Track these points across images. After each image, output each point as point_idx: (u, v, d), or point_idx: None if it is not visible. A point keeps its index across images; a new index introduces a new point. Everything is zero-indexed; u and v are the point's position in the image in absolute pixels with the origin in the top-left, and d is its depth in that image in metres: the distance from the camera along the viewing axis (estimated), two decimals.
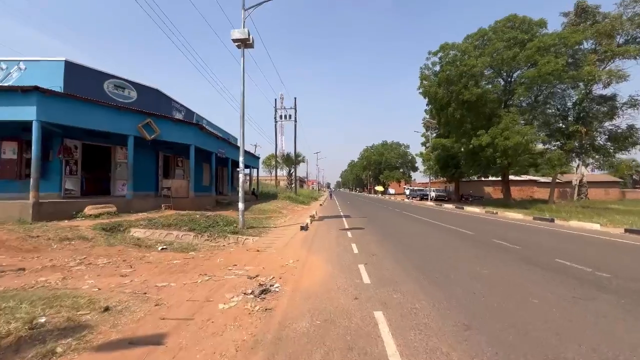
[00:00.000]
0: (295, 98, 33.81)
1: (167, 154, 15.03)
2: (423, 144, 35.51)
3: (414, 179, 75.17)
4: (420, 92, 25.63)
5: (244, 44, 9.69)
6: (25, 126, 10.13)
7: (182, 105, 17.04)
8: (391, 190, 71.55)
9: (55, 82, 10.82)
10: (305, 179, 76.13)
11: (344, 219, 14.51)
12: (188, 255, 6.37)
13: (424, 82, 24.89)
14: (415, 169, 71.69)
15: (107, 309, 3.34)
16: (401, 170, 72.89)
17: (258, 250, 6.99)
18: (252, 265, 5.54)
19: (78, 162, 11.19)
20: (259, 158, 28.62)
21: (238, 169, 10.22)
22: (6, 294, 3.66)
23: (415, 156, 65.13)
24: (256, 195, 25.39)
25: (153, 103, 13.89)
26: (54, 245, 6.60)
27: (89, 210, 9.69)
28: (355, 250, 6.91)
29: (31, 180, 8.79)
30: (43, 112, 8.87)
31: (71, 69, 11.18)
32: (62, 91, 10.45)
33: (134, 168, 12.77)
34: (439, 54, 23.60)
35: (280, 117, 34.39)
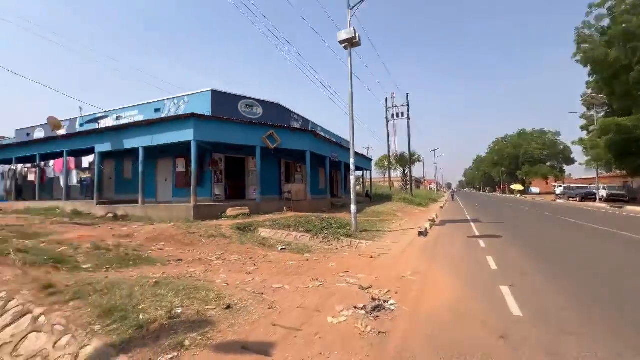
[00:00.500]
0: (407, 94, 31.97)
1: (288, 161, 16.54)
2: (584, 127, 27.16)
3: (569, 174, 58.96)
4: (577, 60, 19.72)
5: (351, 43, 9.52)
6: (188, 146, 13.03)
7: (299, 115, 18.52)
8: (534, 189, 58.47)
9: (205, 108, 13.50)
10: (422, 179, 71.20)
11: (472, 223, 12.37)
12: (303, 257, 6.50)
13: (584, 45, 18.95)
14: (570, 162, 56.15)
15: (229, 307, 3.54)
16: (548, 164, 58.26)
17: (371, 257, 6.52)
18: (364, 274, 5.10)
19: (222, 172, 13.57)
20: (371, 160, 28.33)
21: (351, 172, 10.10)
22: (163, 281, 4.43)
23: (569, 145, 50.99)
24: (370, 197, 25.09)
25: (275, 116, 15.57)
26: (203, 240, 7.99)
27: (229, 211, 11.51)
28: (493, 265, 5.51)
29: (191, 188, 11.10)
30: (198, 133, 11.11)
31: (216, 96, 13.74)
32: (210, 115, 12.87)
33: (261, 175, 14.58)
34: (608, 2, 17.48)
35: (392, 115, 33.18)
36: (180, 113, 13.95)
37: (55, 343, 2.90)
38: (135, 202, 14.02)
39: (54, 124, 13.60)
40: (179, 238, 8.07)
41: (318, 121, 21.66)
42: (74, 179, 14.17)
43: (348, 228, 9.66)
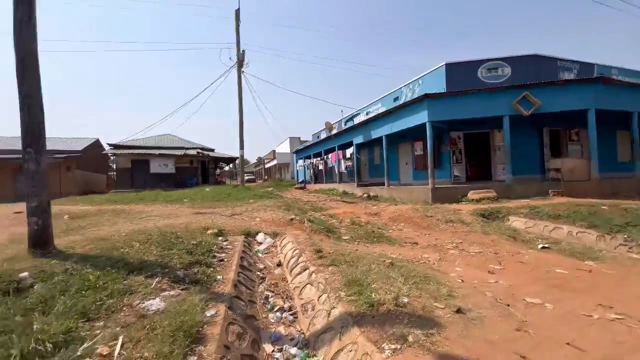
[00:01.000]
0: None
1: (554, 128, 12.33)
2: None
3: None
4: None
5: None
6: (423, 128, 12.98)
7: (573, 62, 13.17)
8: None
9: (440, 85, 12.78)
10: None
11: None
12: (582, 265, 4.50)
13: None
14: None
15: (459, 310, 3.03)
16: None
17: None
18: None
19: (462, 151, 12.40)
20: None
21: None
22: (398, 263, 4.58)
23: None
24: None
25: (531, 72, 12.00)
26: (440, 225, 7.65)
27: (471, 195, 10.32)
28: None
29: (429, 170, 10.99)
30: (432, 113, 10.75)
31: (450, 69, 12.63)
32: (445, 91, 12.03)
33: (512, 150, 11.89)
34: None
35: None
36: (415, 97, 14.13)
37: (319, 297, 3.73)
38: (383, 184, 16.05)
39: (328, 126, 18.26)
40: (416, 220, 8.24)
41: (613, 62, 14.37)
42: (342, 166, 18.43)
43: None
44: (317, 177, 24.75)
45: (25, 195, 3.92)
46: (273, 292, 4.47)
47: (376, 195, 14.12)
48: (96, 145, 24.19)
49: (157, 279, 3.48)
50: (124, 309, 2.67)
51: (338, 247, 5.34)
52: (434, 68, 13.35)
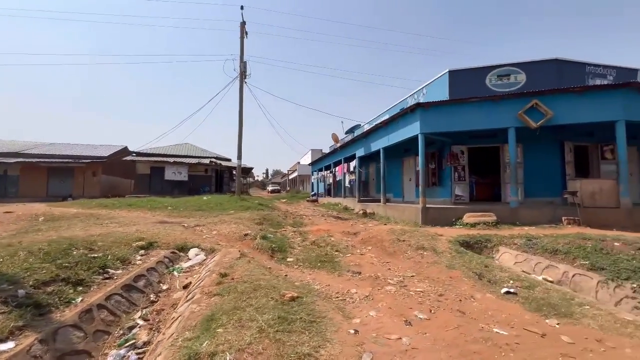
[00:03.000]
0: None
1: (580, 144, 10.44)
2: None
3: None
4: None
5: None
6: (432, 141, 11.76)
7: (607, 67, 11.20)
8: None
9: (444, 95, 11.58)
10: None
11: None
12: (541, 325, 3.26)
13: None
14: None
15: None
16: None
17: None
18: None
19: (465, 168, 10.96)
20: None
21: None
22: (304, 298, 3.70)
23: None
24: None
25: (551, 79, 10.38)
26: (408, 252, 6.53)
27: (467, 218, 8.92)
28: None
29: (420, 188, 9.79)
30: (424, 124, 9.64)
31: (454, 76, 11.40)
32: (442, 100, 10.83)
33: (526, 167, 10.30)
34: None
35: None
36: None
37: (169, 336, 3.06)
38: (388, 200, 14.87)
39: (334, 138, 17.59)
40: (385, 245, 7.19)
41: None
42: (347, 180, 17.53)
43: None
44: (330, 190, 23.98)
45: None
46: (148, 321, 3.87)
47: (373, 213, 13.02)
48: (125, 152, 25.90)
49: None
50: None
51: (255, 273, 4.62)
52: (438, 76, 12.17)
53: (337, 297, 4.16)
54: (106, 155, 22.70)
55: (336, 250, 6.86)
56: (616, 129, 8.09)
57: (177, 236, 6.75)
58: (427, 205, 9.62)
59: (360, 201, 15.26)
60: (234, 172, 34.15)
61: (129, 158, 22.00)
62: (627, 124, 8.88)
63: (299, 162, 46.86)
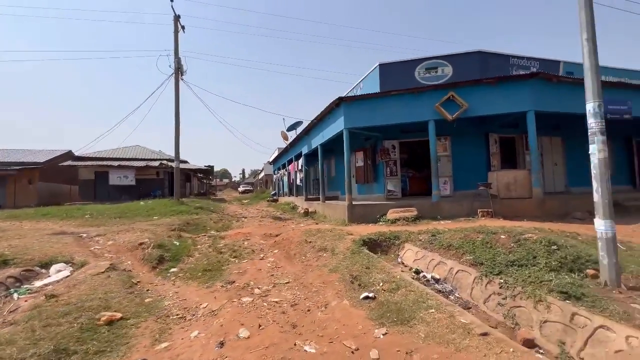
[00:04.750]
0: None
1: (507, 135, 10.54)
2: None
3: None
4: None
5: None
6: (367, 137, 11.52)
7: (531, 59, 11.39)
8: None
9: (375, 88, 11.36)
10: None
11: None
12: (377, 342, 2.94)
13: None
14: None
15: None
16: None
17: None
18: None
19: (397, 162, 10.81)
20: None
21: None
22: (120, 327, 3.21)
23: None
24: None
25: (476, 71, 10.39)
26: (308, 254, 6.18)
27: (390, 214, 8.72)
28: None
29: (346, 184, 9.51)
30: (348, 119, 9.34)
31: (384, 69, 11.22)
32: (364, 94, 10.61)
33: (455, 160, 10.28)
34: None
35: None
36: None
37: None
38: (336, 198, 14.58)
39: (283, 136, 17.08)
40: (292, 247, 6.81)
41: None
42: (298, 179, 17.10)
43: (589, 272, 4.00)
44: (292, 189, 23.49)
45: None
46: None
47: (314, 212, 12.68)
48: (69, 156, 24.15)
49: None
50: None
51: (100, 290, 4.07)
52: (370, 70, 11.95)
53: (178, 315, 3.69)
54: (42, 160, 21.02)
55: (235, 257, 6.40)
56: (527, 119, 8.11)
57: (53, 249, 6.03)
58: (354, 203, 9.36)
59: (307, 200, 14.89)
60: (194, 175, 32.95)
61: (67, 163, 20.49)
62: (547, 115, 9.02)
63: (269, 162, 46.05)
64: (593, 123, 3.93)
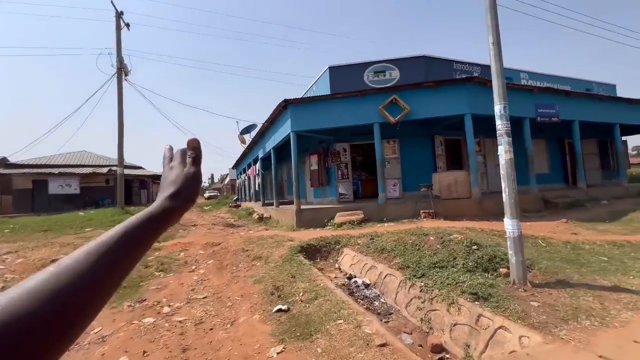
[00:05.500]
0: None
1: (453, 137, 10.91)
2: None
3: None
4: None
5: None
6: (321, 140, 11.38)
7: (473, 64, 11.97)
8: None
9: (326, 91, 11.30)
10: None
11: None
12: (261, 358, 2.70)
13: None
14: None
15: None
16: None
17: None
18: None
19: (348, 165, 10.79)
20: None
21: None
22: None
23: None
24: None
25: (420, 74, 10.67)
26: (240, 265, 5.85)
27: (337, 218, 8.62)
28: None
29: (294, 188, 9.29)
30: (295, 122, 9.16)
31: (334, 72, 11.22)
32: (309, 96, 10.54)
33: (404, 162, 10.43)
34: None
35: None
36: None
37: None
38: (291, 202, 14.30)
39: (240, 140, 16.55)
40: (227, 257, 6.44)
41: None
42: (256, 183, 16.64)
43: (502, 271, 4.07)
44: (252, 195, 22.88)
45: None
46: None
47: (269, 217, 12.31)
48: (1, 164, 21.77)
49: None
50: None
51: None
52: (321, 73, 11.91)
53: None
54: None
55: (161, 270, 5.90)
56: (465, 122, 8.39)
57: None
58: (305, 207, 9.18)
59: (263, 205, 14.50)
60: (154, 181, 31.15)
61: (1, 171, 18.44)
62: (490, 118, 9.39)
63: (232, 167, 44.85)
64: (500, 125, 4.02)
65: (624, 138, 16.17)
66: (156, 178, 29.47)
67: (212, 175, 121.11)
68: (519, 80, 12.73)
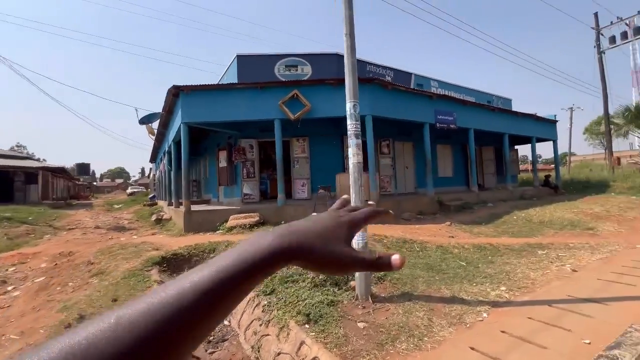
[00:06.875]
0: None
1: (362, 139, 10.89)
2: None
3: None
4: None
5: None
6: (230, 135, 10.38)
7: (386, 68, 12.21)
8: None
9: (233, 79, 10.39)
10: None
11: None
12: None
13: None
14: None
15: None
16: None
17: None
18: None
19: (255, 163, 10.06)
20: (555, 123, 16.64)
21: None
22: None
23: None
24: (554, 187, 14.95)
25: (334, 72, 10.41)
26: (73, 282, 4.71)
27: (231, 220, 7.83)
28: None
29: (183, 188, 8.24)
30: (187, 113, 8.10)
31: (242, 61, 10.39)
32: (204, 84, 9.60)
33: (314, 162, 10.04)
34: None
35: (612, 40, 18.90)
36: None
37: None
38: (208, 202, 13.04)
39: (149, 130, 14.59)
40: (65, 272, 5.20)
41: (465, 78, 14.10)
42: (166, 179, 14.88)
43: (352, 284, 3.75)
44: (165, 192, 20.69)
45: None
46: None
47: (169, 219, 10.94)
48: None
49: None
50: None
51: None
52: (230, 62, 10.97)
53: None
54: None
55: None
56: (365, 123, 8.28)
57: None
58: (192, 209, 8.19)
59: (169, 205, 12.97)
60: (57, 175, 26.41)
61: None
62: (403, 122, 9.52)
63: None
64: (350, 125, 3.69)
65: (516, 147, 18.43)
66: (56, 170, 24.94)
67: (142, 169, 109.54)
68: (429, 87, 13.39)
